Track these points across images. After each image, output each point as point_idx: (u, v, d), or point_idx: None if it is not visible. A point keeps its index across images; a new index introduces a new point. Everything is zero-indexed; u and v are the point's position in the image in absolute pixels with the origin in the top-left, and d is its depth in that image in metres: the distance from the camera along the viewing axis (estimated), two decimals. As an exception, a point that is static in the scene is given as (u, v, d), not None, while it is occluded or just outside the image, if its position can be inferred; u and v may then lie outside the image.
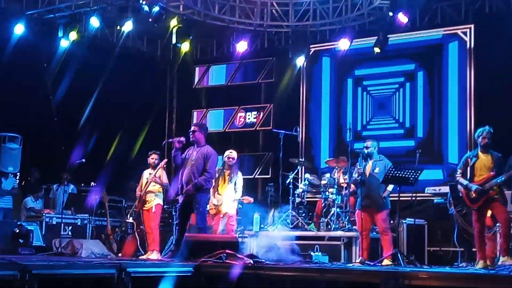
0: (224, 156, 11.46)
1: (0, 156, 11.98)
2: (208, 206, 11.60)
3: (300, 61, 15.08)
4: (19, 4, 14.03)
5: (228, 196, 11.26)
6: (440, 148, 14.10)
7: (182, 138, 10.13)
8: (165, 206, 12.29)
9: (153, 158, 11.50)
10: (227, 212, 11.26)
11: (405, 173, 9.93)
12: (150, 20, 13.17)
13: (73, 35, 13.93)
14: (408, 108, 14.52)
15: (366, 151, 10.40)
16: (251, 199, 11.81)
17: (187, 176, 9.95)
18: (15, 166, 12.94)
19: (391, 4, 12.64)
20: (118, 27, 14.77)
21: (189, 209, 10.03)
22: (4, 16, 13.92)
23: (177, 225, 10.26)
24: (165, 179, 11.55)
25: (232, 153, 11.44)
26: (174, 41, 13.91)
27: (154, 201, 11.45)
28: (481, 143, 9.32)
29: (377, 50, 13.42)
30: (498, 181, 9.09)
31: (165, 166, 11.58)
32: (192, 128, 10.28)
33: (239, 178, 11.42)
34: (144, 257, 11.17)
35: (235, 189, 11.28)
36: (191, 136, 10.14)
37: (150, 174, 11.51)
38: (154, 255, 11.07)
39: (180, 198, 10.11)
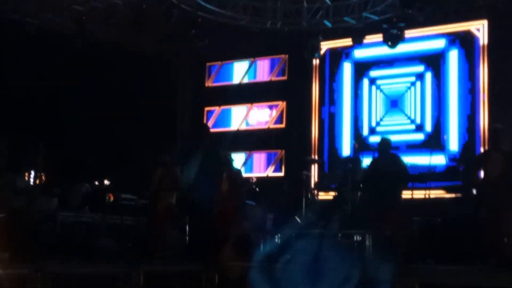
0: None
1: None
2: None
3: (313, 58, 15.09)
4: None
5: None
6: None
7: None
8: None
9: (163, 157, 11.55)
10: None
11: (417, 171, 9.92)
12: (162, 19, 13.19)
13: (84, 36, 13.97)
14: (419, 106, 14.68)
15: (382, 148, 10.37)
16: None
17: (201, 177, 9.98)
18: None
19: (404, 1, 12.57)
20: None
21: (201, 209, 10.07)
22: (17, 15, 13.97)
23: (186, 226, 10.29)
24: (177, 178, 11.52)
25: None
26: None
27: (166, 199, 11.46)
28: (494, 142, 9.31)
29: (391, 43, 13.46)
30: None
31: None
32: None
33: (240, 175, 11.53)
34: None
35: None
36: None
37: (162, 172, 11.54)
38: (159, 254, 11.11)
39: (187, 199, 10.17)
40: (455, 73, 14.35)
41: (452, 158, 13.51)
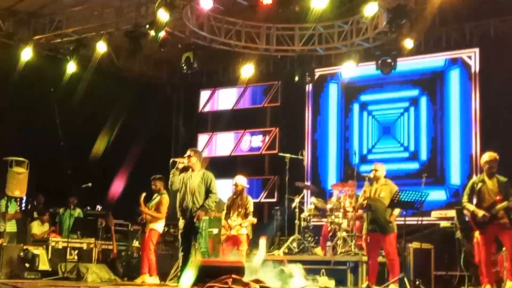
0: (233, 184, 11.49)
1: (7, 181, 11.96)
2: (215, 231, 11.61)
3: (305, 84, 15.18)
4: (27, 29, 14.15)
5: (238, 221, 11.24)
6: (442, 170, 14.20)
7: (186, 160, 10.17)
8: (171, 230, 12.28)
9: (154, 184, 11.53)
10: (237, 237, 11.22)
11: (411, 197, 9.93)
12: (156, 45, 13.24)
13: (79, 60, 14.01)
14: (413, 132, 14.61)
15: (375, 174, 10.40)
16: (254, 220, 11.73)
17: (189, 200, 9.97)
18: (22, 190, 12.95)
19: (396, 29, 12.67)
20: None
21: (192, 232, 10.03)
22: (12, 41, 14.02)
23: (182, 250, 10.24)
24: (163, 207, 11.48)
25: (237, 181, 11.42)
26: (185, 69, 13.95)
27: (149, 225, 11.40)
28: (486, 170, 9.34)
29: (384, 71, 13.49)
30: (505, 206, 9.08)
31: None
32: (188, 152, 10.29)
33: (250, 203, 11.39)
34: (138, 280, 11.15)
35: (245, 214, 11.24)
36: (186, 160, 10.16)
37: (152, 200, 11.54)
38: (149, 279, 11.05)
39: (181, 223, 10.12)
40: (456, 96, 14.18)
41: (454, 194, 13.36)
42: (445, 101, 14.35)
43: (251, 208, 11.26)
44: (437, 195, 13.62)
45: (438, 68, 14.46)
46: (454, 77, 14.28)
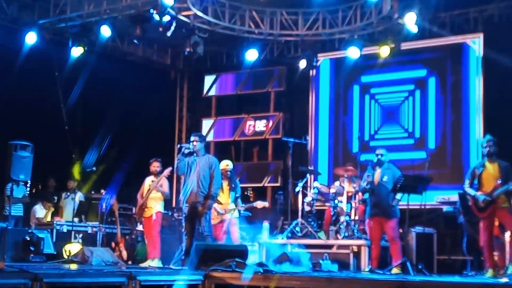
0: (221, 168, 11.55)
1: (12, 164, 12.02)
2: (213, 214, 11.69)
3: (309, 69, 15.18)
4: (31, 13, 14.14)
5: (232, 205, 11.38)
6: (456, 163, 13.76)
7: (191, 145, 10.28)
8: (175, 214, 12.37)
9: (154, 166, 11.55)
10: (231, 220, 11.35)
11: (414, 182, 9.96)
12: (160, 29, 13.25)
13: (84, 44, 14.01)
14: (419, 118, 14.41)
15: (380, 158, 10.43)
16: (266, 204, 11.83)
17: (194, 184, 10.08)
18: (27, 174, 13.00)
19: (400, 14, 12.65)
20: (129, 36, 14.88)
21: (196, 216, 10.13)
22: (16, 25, 14.04)
23: (185, 234, 10.34)
24: (166, 188, 11.59)
25: (228, 166, 11.54)
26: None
27: (155, 208, 11.46)
28: (484, 152, 9.37)
29: (384, 53, 13.40)
30: (505, 189, 9.11)
31: (169, 174, 11.65)
32: (192, 138, 10.42)
33: (238, 186, 11.56)
34: (144, 264, 11.23)
35: (235, 198, 11.40)
36: (191, 145, 10.27)
37: (152, 181, 11.58)
38: (154, 263, 11.12)
39: (186, 207, 10.24)
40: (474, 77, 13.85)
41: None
42: (458, 83, 13.92)
43: (239, 193, 11.46)
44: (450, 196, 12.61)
45: (451, 46, 13.96)
46: (469, 56, 13.88)
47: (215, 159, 10.42)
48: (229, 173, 11.51)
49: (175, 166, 10.42)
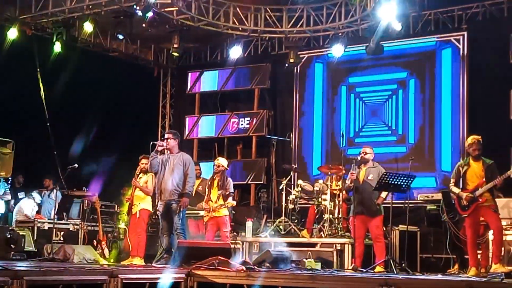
0: (214, 165, 11.49)
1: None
2: (202, 213, 11.63)
3: (293, 66, 15.15)
4: (13, 9, 14.00)
5: (220, 202, 11.27)
6: (432, 155, 14.07)
7: (165, 143, 10.26)
8: (157, 212, 12.28)
9: (143, 162, 11.43)
10: (219, 219, 11.25)
11: (398, 180, 9.96)
12: (143, 25, 13.17)
13: (66, 40, 13.88)
14: (401, 115, 14.50)
15: (364, 156, 10.43)
16: (234, 202, 11.70)
17: (168, 182, 10.08)
18: (7, 171, 12.90)
19: (384, 11, 12.64)
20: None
21: (172, 213, 10.13)
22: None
23: (164, 232, 10.31)
24: (150, 185, 11.32)
25: (219, 161, 11.44)
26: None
27: (139, 206, 11.32)
28: (471, 154, 9.38)
29: (370, 52, 13.45)
30: (489, 187, 9.12)
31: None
32: (166, 135, 10.46)
33: (230, 184, 11.42)
34: (125, 262, 11.14)
35: (226, 196, 11.27)
36: (165, 143, 10.24)
37: (140, 178, 11.48)
38: (136, 261, 11.03)
39: (160, 205, 10.23)
40: (447, 78, 14.00)
41: (443, 181, 13.21)
42: (435, 84, 14.15)
43: (231, 190, 11.36)
44: (427, 182, 13.57)
45: (429, 47, 14.22)
46: (446, 57, 14.08)
47: (189, 157, 10.48)
48: (218, 169, 11.38)
49: (149, 163, 10.39)
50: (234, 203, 11.52)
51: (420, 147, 14.18)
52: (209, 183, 11.43)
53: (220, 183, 11.26)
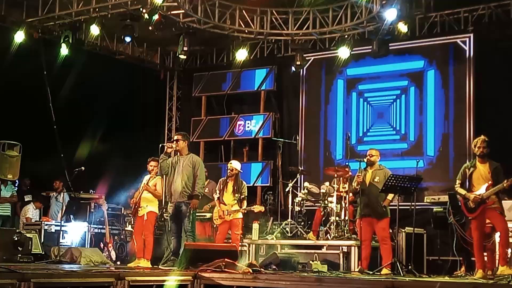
0: (227, 168, 11.52)
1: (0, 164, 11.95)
2: (208, 215, 11.65)
3: (300, 69, 15.15)
4: (19, 12, 14.05)
5: (236, 207, 11.28)
6: (423, 146, 14.34)
7: (174, 144, 10.28)
8: (165, 214, 12.29)
9: (151, 165, 11.41)
10: (232, 221, 11.26)
11: (404, 182, 9.95)
12: (150, 28, 13.19)
13: (73, 43, 13.91)
14: (404, 117, 14.66)
15: (370, 159, 10.45)
16: (262, 208, 11.73)
17: (178, 184, 10.09)
18: (15, 174, 12.93)
19: (390, 14, 12.63)
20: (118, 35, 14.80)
21: (181, 216, 10.13)
22: (4, 23, 13.94)
23: (173, 234, 10.31)
24: (159, 188, 11.34)
25: (232, 165, 11.45)
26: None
27: (147, 208, 11.28)
28: (477, 153, 9.36)
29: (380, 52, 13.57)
30: (496, 189, 9.10)
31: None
32: (176, 137, 10.44)
33: (245, 187, 11.42)
34: (132, 264, 11.14)
35: (240, 200, 11.28)
36: (174, 144, 10.25)
37: (148, 180, 11.48)
38: (143, 263, 11.03)
39: (170, 207, 10.24)
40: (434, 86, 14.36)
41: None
42: (428, 91, 14.42)
43: (245, 193, 11.35)
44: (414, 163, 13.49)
45: (419, 68, 14.57)
46: (431, 77, 14.41)
47: (199, 158, 10.46)
48: (231, 172, 11.38)
49: (159, 166, 10.40)
50: (262, 208, 11.58)
51: (418, 144, 14.35)
52: (221, 186, 11.40)
53: (235, 187, 11.26)
